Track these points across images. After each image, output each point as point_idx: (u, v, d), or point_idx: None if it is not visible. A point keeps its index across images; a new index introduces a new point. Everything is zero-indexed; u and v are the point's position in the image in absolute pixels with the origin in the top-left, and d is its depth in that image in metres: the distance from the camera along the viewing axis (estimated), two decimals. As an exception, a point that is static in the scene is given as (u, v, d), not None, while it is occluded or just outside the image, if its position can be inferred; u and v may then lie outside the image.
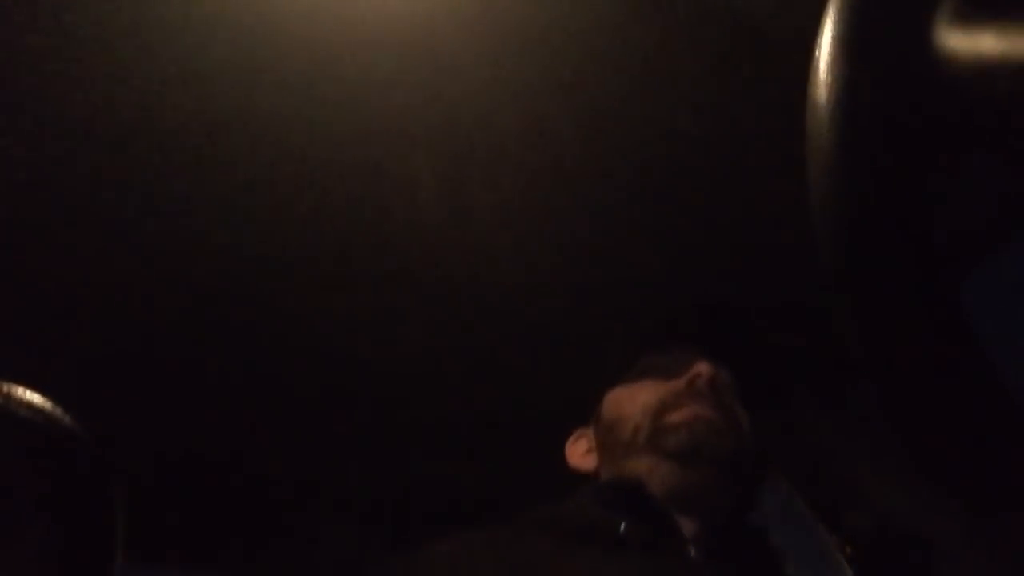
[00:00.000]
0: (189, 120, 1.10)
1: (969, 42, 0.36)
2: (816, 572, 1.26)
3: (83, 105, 1.07)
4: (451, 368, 1.41)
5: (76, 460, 0.80)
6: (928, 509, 1.15)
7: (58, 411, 0.79)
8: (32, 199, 1.18)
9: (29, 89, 1.06)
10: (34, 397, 0.78)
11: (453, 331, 1.36)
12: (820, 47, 0.38)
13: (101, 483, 0.80)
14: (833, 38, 0.38)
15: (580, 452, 1.11)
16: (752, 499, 1.07)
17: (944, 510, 1.12)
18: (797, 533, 1.29)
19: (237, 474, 1.52)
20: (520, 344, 1.38)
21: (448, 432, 1.50)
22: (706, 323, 1.27)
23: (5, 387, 0.78)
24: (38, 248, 1.24)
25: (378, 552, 1.48)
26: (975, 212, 1.09)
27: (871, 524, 1.22)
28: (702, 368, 1.06)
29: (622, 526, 0.93)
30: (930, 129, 0.37)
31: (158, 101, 1.08)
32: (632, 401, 1.07)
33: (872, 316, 0.38)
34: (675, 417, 1.01)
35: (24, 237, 1.23)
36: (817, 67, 0.38)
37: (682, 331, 1.19)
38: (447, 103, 1.10)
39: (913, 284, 0.37)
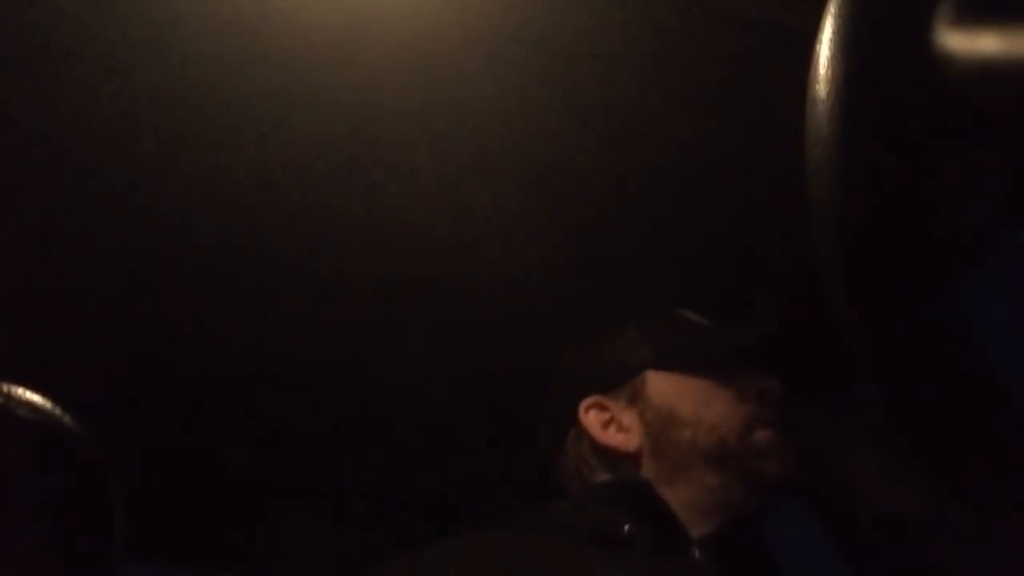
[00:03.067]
0: (187, 120, 1.10)
1: (969, 43, 0.36)
2: (816, 573, 1.26)
3: (79, 97, 1.07)
4: (451, 370, 1.41)
5: (76, 460, 0.80)
6: (929, 509, 1.15)
7: (58, 411, 0.79)
8: (28, 195, 1.18)
9: (26, 83, 1.06)
10: (34, 397, 0.78)
11: (453, 334, 1.36)
12: (819, 49, 0.38)
13: (100, 483, 0.80)
14: (832, 39, 0.38)
15: (611, 428, 1.03)
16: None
17: (945, 510, 1.12)
18: (798, 534, 1.29)
19: (237, 474, 1.52)
20: (522, 348, 1.38)
21: (450, 434, 1.50)
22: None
23: (5, 387, 0.78)
24: (37, 246, 1.24)
25: (378, 554, 1.48)
26: (975, 212, 1.09)
27: (871, 524, 1.22)
28: (770, 385, 1.04)
29: (626, 527, 0.93)
30: (930, 130, 0.37)
31: (158, 99, 1.08)
32: (706, 405, 1.02)
33: (872, 316, 0.38)
34: (762, 439, 0.99)
35: (22, 236, 1.23)
36: (816, 69, 0.38)
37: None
38: (448, 103, 1.10)
39: (913, 284, 0.37)
